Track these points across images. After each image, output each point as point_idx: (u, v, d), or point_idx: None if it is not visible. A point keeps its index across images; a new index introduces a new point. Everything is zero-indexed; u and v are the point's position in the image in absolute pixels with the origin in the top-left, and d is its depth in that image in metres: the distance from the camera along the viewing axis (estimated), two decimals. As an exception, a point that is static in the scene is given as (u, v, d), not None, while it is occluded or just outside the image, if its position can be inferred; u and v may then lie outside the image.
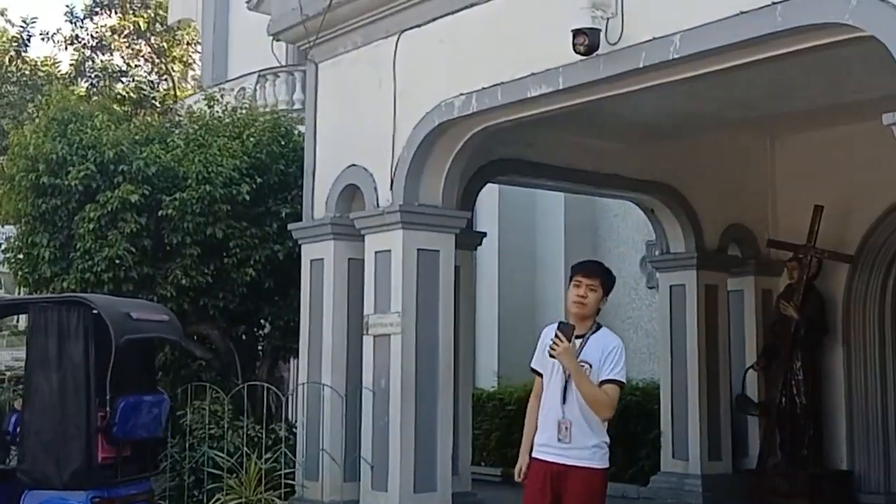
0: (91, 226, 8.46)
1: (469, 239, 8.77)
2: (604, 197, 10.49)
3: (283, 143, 9.62)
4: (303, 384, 8.36)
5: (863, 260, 9.98)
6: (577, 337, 4.62)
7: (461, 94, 7.13)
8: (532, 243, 13.44)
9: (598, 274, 4.75)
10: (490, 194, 11.87)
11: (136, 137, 9.11)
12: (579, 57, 6.16)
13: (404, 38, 7.67)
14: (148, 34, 24.54)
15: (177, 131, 9.30)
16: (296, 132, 9.78)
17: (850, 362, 10.00)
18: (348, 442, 8.00)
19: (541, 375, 4.79)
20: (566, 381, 4.59)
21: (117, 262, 8.47)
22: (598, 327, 4.76)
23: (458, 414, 8.26)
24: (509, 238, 13.06)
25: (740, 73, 6.74)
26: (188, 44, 25.19)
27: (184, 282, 8.73)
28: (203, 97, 10.72)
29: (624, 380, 4.64)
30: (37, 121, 9.34)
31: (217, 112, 9.87)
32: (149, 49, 24.83)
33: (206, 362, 9.71)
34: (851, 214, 9.94)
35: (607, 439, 4.67)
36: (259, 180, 9.12)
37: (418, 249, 7.64)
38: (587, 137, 9.51)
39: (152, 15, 24.70)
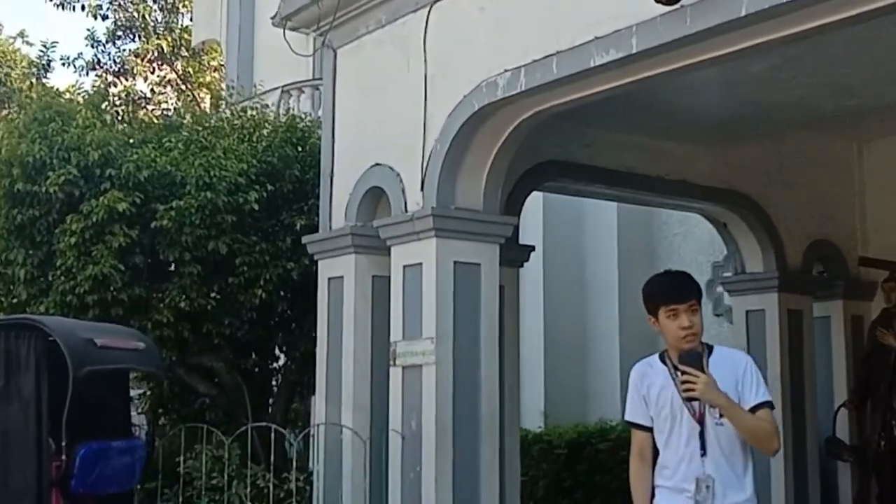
0: (73, 240, 7.25)
1: (514, 254, 7.44)
2: (668, 207, 9.15)
3: (299, 147, 8.39)
4: (319, 425, 7.06)
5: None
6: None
7: (506, 71, 5.85)
8: (581, 266, 12.03)
9: (693, 291, 3.88)
10: (533, 210, 10.52)
11: (130, 140, 7.91)
12: (659, 10, 4.87)
13: (436, 11, 6.43)
14: (172, 58, 23.72)
15: (173, 136, 8.06)
16: (315, 135, 8.55)
17: (957, 398, 8.60)
18: (373, 495, 6.68)
19: (644, 429, 3.91)
20: (702, 427, 3.73)
21: (104, 281, 7.25)
22: (710, 348, 3.86)
23: (504, 462, 6.89)
24: (555, 260, 11.67)
25: (842, 45, 5.51)
26: (215, 69, 24.36)
27: (182, 305, 7.51)
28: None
29: (772, 398, 3.79)
30: (14, 120, 8.17)
31: (224, 113, 8.67)
32: (175, 75, 24.02)
33: (211, 399, 8.45)
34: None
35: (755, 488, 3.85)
36: (270, 188, 7.89)
37: (455, 262, 6.34)
38: (651, 137, 8.20)
39: (177, 38, 23.90)
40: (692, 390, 3.64)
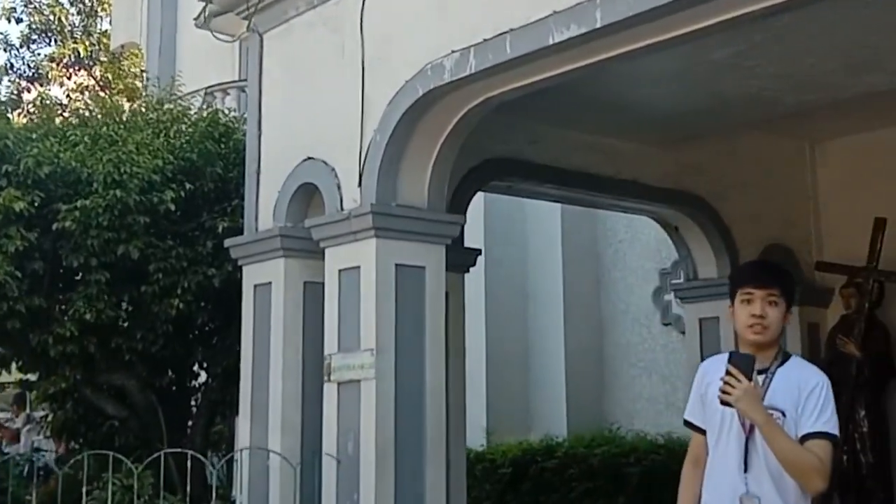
0: (-39, 245, 6.42)
1: (459, 257, 6.82)
2: (619, 210, 8.65)
3: (221, 142, 7.66)
4: (242, 450, 6.33)
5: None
6: (759, 372, 3.33)
7: (454, 52, 5.24)
8: (524, 274, 11.48)
9: (776, 280, 3.43)
10: (474, 214, 9.93)
11: (32, 135, 7.09)
12: (629, -24, 4.33)
13: (376, -14, 5.81)
14: (89, 62, 22.68)
15: (79, 130, 7.27)
16: (240, 132, 7.84)
17: (920, 408, 8.24)
18: (304, 527, 6.00)
19: (701, 432, 3.51)
20: (748, 439, 3.32)
21: (-2, 291, 6.45)
22: (787, 357, 3.44)
23: (450, 486, 6.25)
24: (497, 267, 11.10)
25: (809, 32, 5.05)
26: (136, 75, 23.37)
27: (88, 317, 6.72)
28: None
29: (837, 433, 3.30)
30: None
31: (140, 107, 7.90)
32: (93, 80, 22.97)
33: (121, 422, 7.63)
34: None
35: None
36: (189, 186, 7.15)
37: (397, 265, 5.70)
38: (602, 135, 7.70)
39: (95, 43, 22.89)
40: (728, 394, 3.21)
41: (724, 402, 3.26)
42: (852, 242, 8.34)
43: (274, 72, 6.67)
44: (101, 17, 24.17)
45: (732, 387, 3.21)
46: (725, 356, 3.44)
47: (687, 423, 3.61)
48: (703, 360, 8.27)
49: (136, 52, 21.64)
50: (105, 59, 22.29)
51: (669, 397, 10.52)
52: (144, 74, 22.23)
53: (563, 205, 11.02)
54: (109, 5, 22.90)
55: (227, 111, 9.17)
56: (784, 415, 3.27)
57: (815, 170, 8.89)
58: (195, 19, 16.41)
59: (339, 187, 5.96)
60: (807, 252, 8.85)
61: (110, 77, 22.73)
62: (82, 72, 22.58)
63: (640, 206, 8.32)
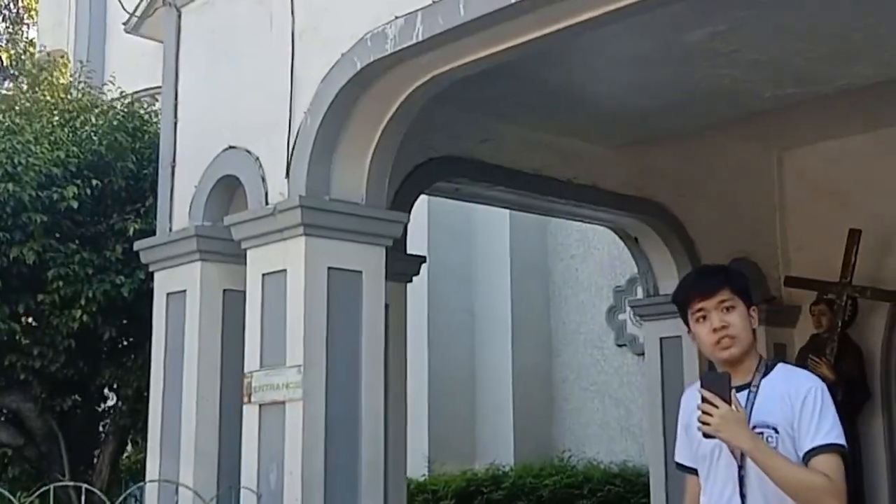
0: None
1: (401, 265, 6.12)
2: (576, 218, 7.99)
3: (136, 135, 6.86)
4: (149, 482, 5.50)
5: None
6: (740, 389, 2.90)
7: (398, 17, 4.53)
8: (470, 290, 10.75)
9: (722, 281, 2.98)
10: (418, 223, 9.21)
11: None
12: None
13: (308, -51, 5.09)
14: (15, 72, 21.60)
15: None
16: (157, 122, 7.04)
17: (893, 433, 7.69)
18: (219, 573, 5.19)
19: (691, 471, 3.07)
20: (741, 468, 2.86)
21: None
22: (771, 365, 2.98)
23: (389, 522, 5.51)
24: (442, 282, 10.37)
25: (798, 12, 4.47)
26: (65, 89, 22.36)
27: (-25, 330, 5.86)
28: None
29: (844, 442, 2.81)
30: None
31: (41, 93, 7.06)
32: (18, 90, 21.87)
33: (16, 451, 6.72)
34: (885, 246, 7.70)
35: None
36: (96, 183, 6.33)
37: (330, 269, 4.94)
38: (559, 135, 7.06)
39: (21, 51, 21.82)
40: (709, 422, 2.77)
41: (706, 434, 2.82)
42: (821, 256, 7.83)
43: (192, 51, 5.90)
44: (27, 24, 23.20)
45: (710, 414, 2.77)
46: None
47: (679, 467, 3.12)
48: (663, 382, 7.97)
49: (63, 60, 20.70)
50: (30, 67, 21.31)
51: (623, 422, 9.89)
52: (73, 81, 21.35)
53: (513, 217, 10.40)
54: (36, 13, 21.93)
55: (145, 103, 8.34)
56: (777, 431, 2.84)
57: (783, 179, 8.38)
58: (124, 24, 15.64)
59: (263, 179, 5.20)
60: (774, 266, 8.31)
61: (38, 89, 21.81)
62: (6, 81, 21.53)
63: (599, 215, 7.67)
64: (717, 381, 2.82)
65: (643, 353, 9.00)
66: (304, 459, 4.69)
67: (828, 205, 7.93)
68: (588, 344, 10.27)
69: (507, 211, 10.16)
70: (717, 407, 2.75)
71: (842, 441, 2.81)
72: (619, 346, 10.05)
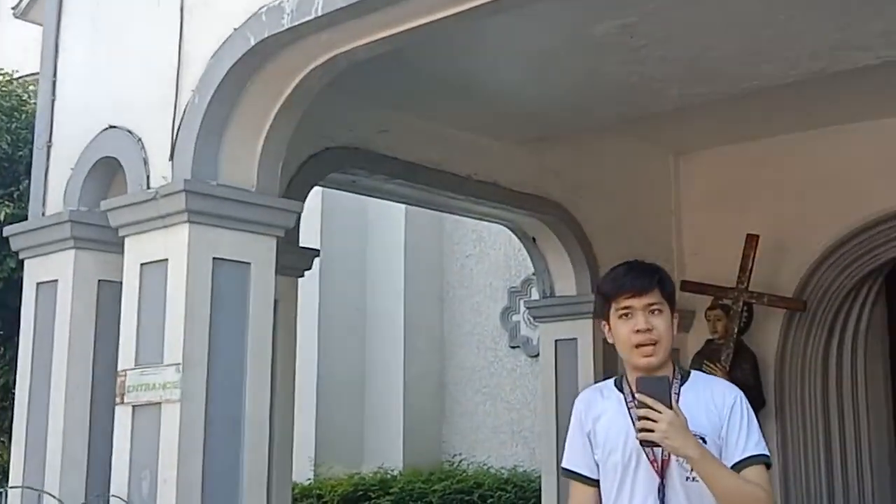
0: None
1: (293, 259, 5.81)
2: (475, 216, 7.78)
3: (14, 115, 6.37)
4: (11, 488, 5.05)
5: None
6: None
7: (297, -8, 4.25)
8: (362, 289, 10.46)
9: (655, 283, 2.87)
10: (310, 218, 8.89)
11: None
12: None
13: (200, -84, 4.73)
14: None
15: None
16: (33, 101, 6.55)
17: (786, 441, 7.72)
18: (85, 587, 4.78)
19: (587, 482, 2.88)
20: (663, 482, 2.73)
21: None
22: (686, 373, 2.92)
23: (272, 531, 5.19)
24: (333, 279, 10.05)
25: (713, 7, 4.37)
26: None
27: None
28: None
29: (769, 453, 2.79)
30: None
31: None
32: None
33: None
34: (781, 252, 7.75)
35: None
36: (-39, 162, 5.84)
37: (215, 260, 4.60)
38: (461, 129, 6.85)
39: None
40: (650, 431, 2.61)
41: (645, 443, 2.67)
42: (718, 261, 7.83)
43: (75, 26, 5.47)
44: None
45: (654, 421, 2.60)
46: (607, 385, 2.97)
47: (570, 475, 2.93)
48: (557, 386, 7.84)
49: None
50: None
51: (515, 426, 9.76)
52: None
53: (409, 215, 10.18)
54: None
55: (28, 85, 7.81)
56: (704, 440, 2.73)
57: (681, 182, 8.37)
58: (13, 9, 14.84)
59: (145, 162, 4.82)
60: (669, 270, 8.19)
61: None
62: None
63: (498, 213, 7.49)
64: (656, 386, 2.67)
65: (537, 356, 8.90)
66: (180, 465, 4.33)
67: (726, 209, 7.95)
68: (481, 346, 10.11)
69: (404, 209, 9.94)
70: (660, 413, 2.61)
71: (768, 452, 2.79)
72: (513, 347, 9.92)
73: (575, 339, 7.69)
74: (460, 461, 9.57)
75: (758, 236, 7.38)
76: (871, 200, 7.26)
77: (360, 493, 9.06)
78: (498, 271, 10.11)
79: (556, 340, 7.79)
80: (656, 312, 2.81)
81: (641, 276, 2.85)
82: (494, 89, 6.09)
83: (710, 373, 7.41)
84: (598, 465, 2.86)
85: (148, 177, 4.79)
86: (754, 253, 7.40)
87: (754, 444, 2.75)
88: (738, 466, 2.72)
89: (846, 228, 7.44)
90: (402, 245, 10.24)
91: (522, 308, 9.74)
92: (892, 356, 8.31)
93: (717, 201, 8.06)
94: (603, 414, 2.89)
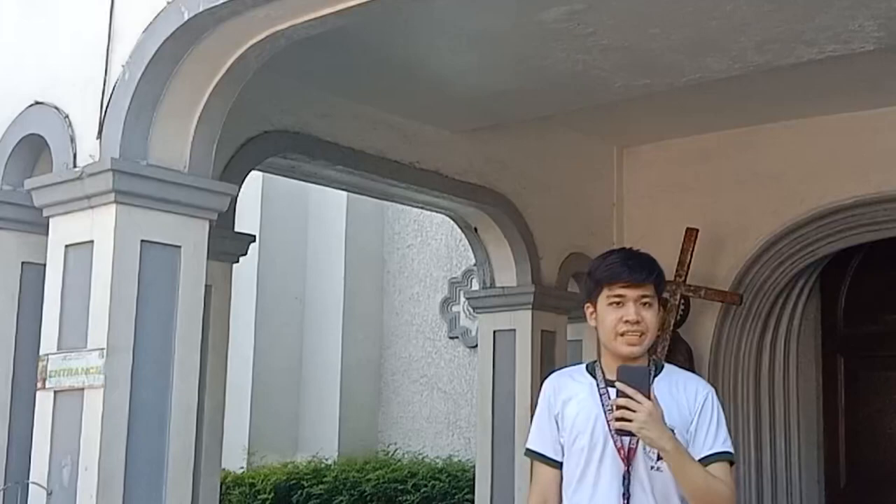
0: None
1: (227, 244, 5.66)
2: (418, 204, 7.67)
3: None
4: (-77, 476, 4.85)
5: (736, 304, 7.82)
6: None
7: (235, -35, 4.10)
8: (301, 275, 10.31)
9: (652, 276, 2.97)
10: (249, 202, 8.72)
11: None
12: None
13: None
14: None
15: None
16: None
17: (720, 435, 7.79)
18: (1, 578, 4.61)
19: (551, 463, 2.93)
20: (629, 470, 2.78)
21: None
22: (660, 366, 3.00)
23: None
24: (272, 264, 9.89)
25: None
26: None
27: None
28: None
29: (733, 451, 2.90)
30: None
31: None
32: None
33: None
34: (718, 247, 7.79)
35: None
36: None
37: (144, 242, 4.44)
38: (404, 116, 6.76)
39: None
40: (627, 421, 2.67)
41: (622, 432, 2.71)
42: (656, 254, 7.70)
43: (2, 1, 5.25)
44: None
45: (633, 411, 2.65)
46: (578, 369, 3.02)
47: (535, 455, 3.00)
48: (495, 376, 7.79)
49: None
50: None
51: (451, 417, 9.71)
52: None
53: (350, 203, 10.07)
54: None
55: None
56: (673, 433, 2.81)
57: (623, 175, 8.36)
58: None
59: (72, 139, 4.63)
60: (608, 264, 8.28)
61: None
62: None
63: (440, 202, 7.39)
64: (636, 375, 2.69)
65: (475, 346, 8.85)
66: (103, 453, 4.18)
67: (667, 203, 7.95)
68: (420, 336, 10.03)
69: (345, 196, 9.82)
70: (639, 403, 2.64)
71: (733, 450, 2.89)
72: (452, 338, 9.86)
73: (514, 329, 7.65)
74: (395, 450, 9.49)
75: (697, 230, 7.40)
76: (809, 197, 7.33)
77: (294, 481, 8.94)
78: (439, 262, 10.03)
79: (494, 331, 7.74)
80: (647, 305, 2.87)
81: (639, 269, 2.91)
82: (440, 76, 6.00)
83: (646, 367, 7.48)
84: (563, 448, 2.89)
85: (74, 155, 4.61)
86: (693, 247, 7.42)
87: (721, 442, 2.85)
88: (704, 462, 2.80)
89: (783, 224, 7.50)
90: (342, 233, 10.11)
91: (462, 299, 9.69)
92: (825, 351, 8.42)
93: (658, 195, 8.07)
94: (573, 397, 2.94)
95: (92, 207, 4.43)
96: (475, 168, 7.26)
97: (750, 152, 7.63)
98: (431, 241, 10.09)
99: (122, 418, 4.26)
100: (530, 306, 7.58)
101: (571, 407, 2.90)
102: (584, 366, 3.03)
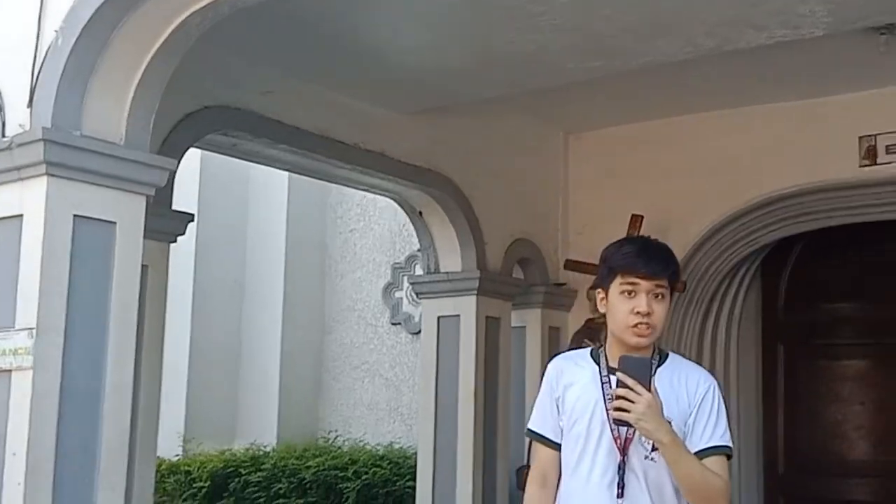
0: None
1: (164, 222, 5.47)
2: (362, 186, 7.49)
3: None
4: None
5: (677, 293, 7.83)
6: None
7: (175, -70, 3.92)
8: (241, 259, 10.09)
9: (668, 268, 2.93)
10: (186, 181, 8.48)
11: None
12: None
13: None
14: None
15: None
16: None
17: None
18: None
19: (551, 444, 2.98)
20: (624, 459, 2.78)
21: None
22: (664, 355, 2.98)
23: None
24: (210, 247, 9.66)
25: None
26: None
27: None
28: None
29: (732, 445, 2.89)
30: None
31: None
32: None
33: None
34: (663, 234, 7.67)
35: None
36: None
37: (76, 217, 4.22)
38: (349, 96, 6.60)
39: None
40: (625, 411, 2.66)
41: (619, 422, 2.72)
42: (602, 241, 7.63)
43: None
44: None
45: (631, 402, 2.65)
46: (582, 354, 3.03)
47: (534, 436, 3.06)
48: (438, 362, 7.69)
49: None
50: None
51: (392, 403, 9.60)
52: None
53: (292, 185, 9.87)
54: None
55: None
56: (671, 424, 2.80)
57: (569, 160, 8.32)
58: None
59: (1, 108, 4.40)
60: (553, 251, 8.24)
61: None
62: None
63: (385, 184, 7.25)
64: (637, 366, 2.68)
65: (418, 333, 8.76)
66: (31, 438, 3.98)
67: (613, 189, 7.92)
68: (362, 321, 9.89)
69: (287, 178, 9.62)
70: (638, 394, 2.63)
71: (731, 444, 2.87)
72: (394, 324, 9.74)
73: (458, 315, 7.57)
74: (336, 437, 9.35)
75: (642, 217, 7.37)
76: (753, 184, 7.35)
77: (231, 469, 8.75)
78: (382, 247, 9.90)
79: (438, 317, 7.65)
80: (659, 297, 2.84)
81: (657, 261, 2.86)
82: (386, 55, 5.86)
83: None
84: (562, 431, 2.92)
85: (3, 124, 4.37)
86: (638, 233, 7.38)
87: (720, 435, 2.83)
88: (701, 454, 2.79)
89: (727, 212, 7.52)
90: (284, 216, 9.92)
91: (405, 284, 9.57)
92: (765, 339, 8.48)
93: (605, 181, 8.04)
94: (575, 382, 2.94)
95: (21, 179, 4.21)
96: (421, 150, 7.14)
97: (696, 140, 7.64)
98: (375, 225, 9.95)
99: (52, 402, 4.05)
100: (475, 292, 7.50)
101: (573, 391, 2.91)
102: (588, 351, 3.03)
